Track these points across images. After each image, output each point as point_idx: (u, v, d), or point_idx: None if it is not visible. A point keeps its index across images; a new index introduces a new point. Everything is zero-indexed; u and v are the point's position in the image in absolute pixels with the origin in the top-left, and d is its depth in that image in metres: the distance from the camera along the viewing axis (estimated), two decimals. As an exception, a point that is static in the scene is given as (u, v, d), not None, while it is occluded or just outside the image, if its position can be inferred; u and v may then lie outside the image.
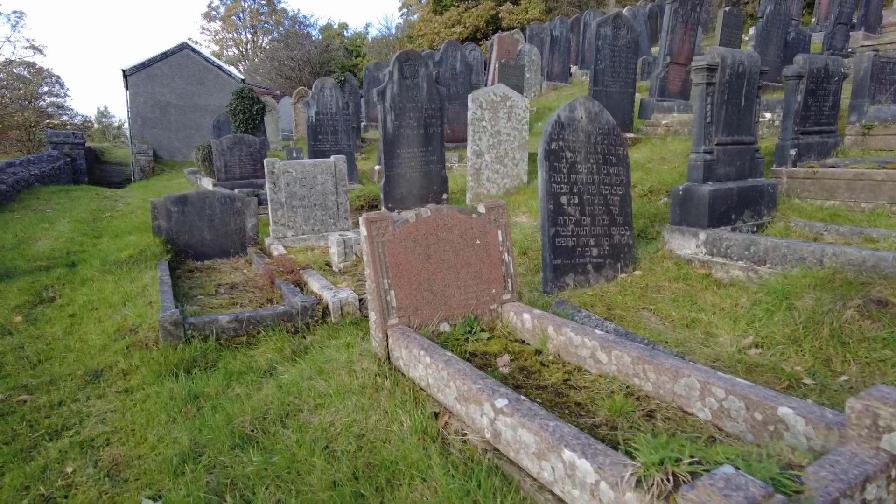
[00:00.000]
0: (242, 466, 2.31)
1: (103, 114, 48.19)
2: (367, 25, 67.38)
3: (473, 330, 3.34)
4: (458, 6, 33.32)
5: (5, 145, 28.81)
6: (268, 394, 2.92)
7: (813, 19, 16.75)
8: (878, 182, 4.69)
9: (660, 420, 2.31)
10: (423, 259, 3.24)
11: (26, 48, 33.43)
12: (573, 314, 3.69)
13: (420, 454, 2.18)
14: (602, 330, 3.52)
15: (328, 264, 5.16)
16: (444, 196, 6.81)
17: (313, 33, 40.14)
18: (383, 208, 6.48)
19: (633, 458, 1.62)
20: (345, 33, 41.95)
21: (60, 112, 35.26)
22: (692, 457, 1.54)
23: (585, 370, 2.86)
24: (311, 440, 2.42)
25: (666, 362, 2.47)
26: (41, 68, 34.16)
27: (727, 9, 8.85)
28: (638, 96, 8.89)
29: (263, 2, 44.00)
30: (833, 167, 5.08)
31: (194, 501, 2.09)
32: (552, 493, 1.85)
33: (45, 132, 19.48)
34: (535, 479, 1.94)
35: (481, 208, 3.49)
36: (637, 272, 4.44)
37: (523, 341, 3.31)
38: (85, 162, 18.28)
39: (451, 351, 3.11)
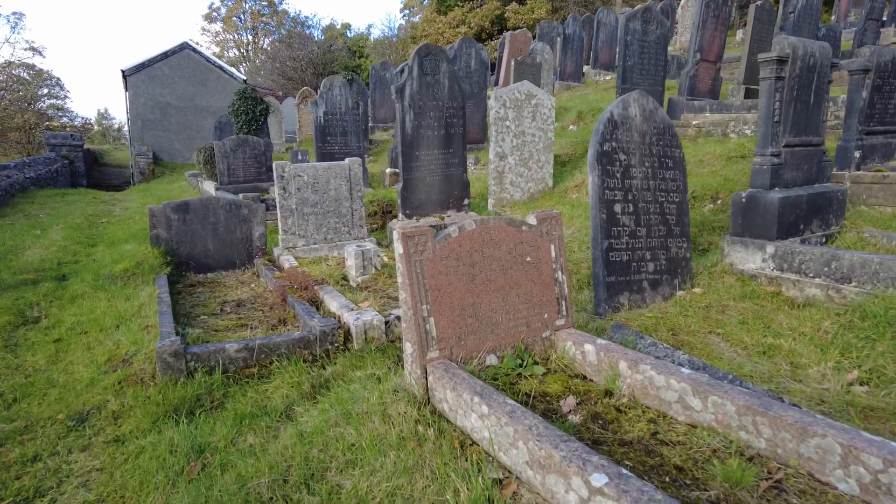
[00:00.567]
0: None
1: (104, 116, 47.75)
2: (370, 26, 66.96)
3: (525, 363, 2.85)
4: (462, 6, 32.89)
5: (5, 147, 28.37)
6: (287, 445, 2.42)
7: (832, 17, 16.28)
8: (959, 187, 4.21)
9: (793, 495, 1.81)
10: (466, 280, 2.75)
11: (26, 50, 32.99)
12: (636, 341, 3.19)
13: (492, 546, 1.69)
14: (673, 361, 3.03)
15: (345, 278, 4.67)
16: (466, 201, 6.32)
17: (315, 34, 39.73)
18: (400, 215, 5.99)
19: None
20: (348, 33, 41.52)
21: (60, 114, 34.84)
22: None
23: (672, 418, 2.37)
24: (346, 517, 1.93)
25: (787, 415, 1.98)
26: (41, 70, 33.74)
27: (759, 2, 8.36)
28: (665, 95, 8.41)
29: (265, 3, 43.62)
30: (903, 171, 4.59)
31: None
32: None
33: (43, 134, 19.03)
34: None
35: (532, 219, 3.00)
36: (696, 289, 3.94)
37: (584, 377, 2.81)
38: (84, 164, 17.82)
39: (503, 389, 2.62)
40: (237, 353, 3.10)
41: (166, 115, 20.43)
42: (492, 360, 2.82)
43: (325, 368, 3.22)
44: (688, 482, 1.92)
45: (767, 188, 3.89)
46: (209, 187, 10.40)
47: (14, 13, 40.47)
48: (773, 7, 8.42)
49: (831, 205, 4.20)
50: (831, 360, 2.97)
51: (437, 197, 6.13)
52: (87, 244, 6.64)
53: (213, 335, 3.60)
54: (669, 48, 14.31)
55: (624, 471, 1.67)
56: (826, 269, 3.52)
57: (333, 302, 3.88)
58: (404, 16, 41.88)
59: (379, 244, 5.91)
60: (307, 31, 39.75)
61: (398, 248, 2.61)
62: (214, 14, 44.19)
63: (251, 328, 3.75)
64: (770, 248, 3.80)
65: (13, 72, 32.64)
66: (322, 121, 8.58)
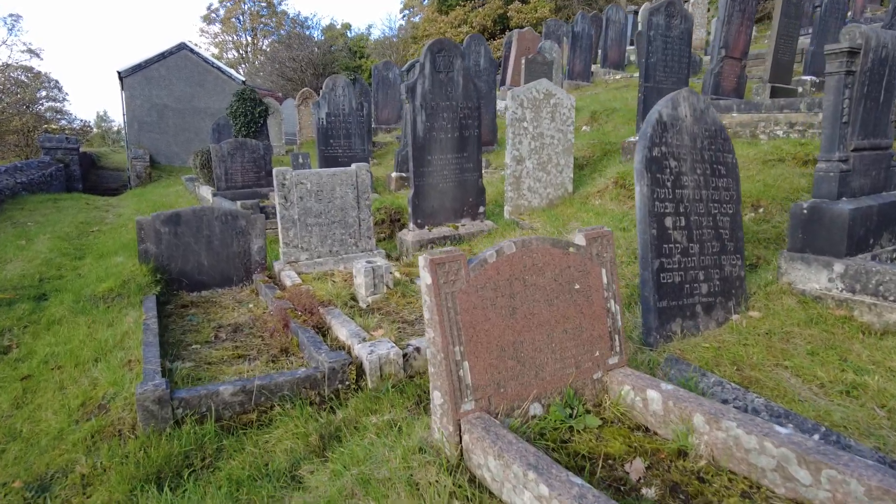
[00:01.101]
0: None
1: (102, 118, 47.30)
2: (370, 27, 66.51)
3: (575, 412, 2.39)
4: (463, 5, 32.43)
5: (3, 150, 27.95)
6: (293, 525, 1.97)
7: (849, 13, 15.82)
8: None
9: None
10: (506, 314, 2.29)
11: (23, 52, 32.49)
12: (699, 380, 2.73)
13: None
14: (746, 406, 2.57)
15: (353, 298, 4.21)
16: (481, 209, 5.86)
17: (315, 34, 39.31)
18: (411, 224, 5.53)
19: None
20: (348, 34, 41.08)
21: (59, 117, 34.44)
22: None
23: (768, 489, 1.91)
24: None
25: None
26: (39, 72, 33.33)
27: (786, -4, 7.90)
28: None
29: (263, 4, 43.21)
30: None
31: None
32: None
33: (38, 137, 18.59)
34: None
35: (579, 239, 2.54)
36: (753, 313, 3.48)
37: (647, 428, 2.35)
38: (80, 168, 17.34)
39: (554, 450, 2.16)
40: (233, 397, 2.65)
41: (163, 117, 19.97)
42: (536, 409, 2.37)
43: (334, 413, 2.76)
44: None
45: (834, 198, 3.44)
46: (206, 193, 9.94)
47: (11, 15, 40.09)
48: (801, 1, 7.97)
49: (900, 215, 3.74)
50: (933, 404, 2.51)
51: (451, 204, 5.67)
52: (73, 256, 6.18)
53: (205, 369, 3.14)
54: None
55: None
56: (910, 291, 3.06)
57: (342, 329, 3.42)
58: (404, 16, 41.42)
59: (388, 256, 5.46)
60: (307, 32, 39.33)
61: (425, 277, 2.15)
62: (213, 15, 43.77)
63: (249, 360, 3.29)
64: (838, 267, 3.34)
65: (11, 74, 32.24)
66: (324, 123, 8.12)
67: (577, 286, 2.49)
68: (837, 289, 3.36)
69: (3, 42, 43.78)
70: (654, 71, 6.87)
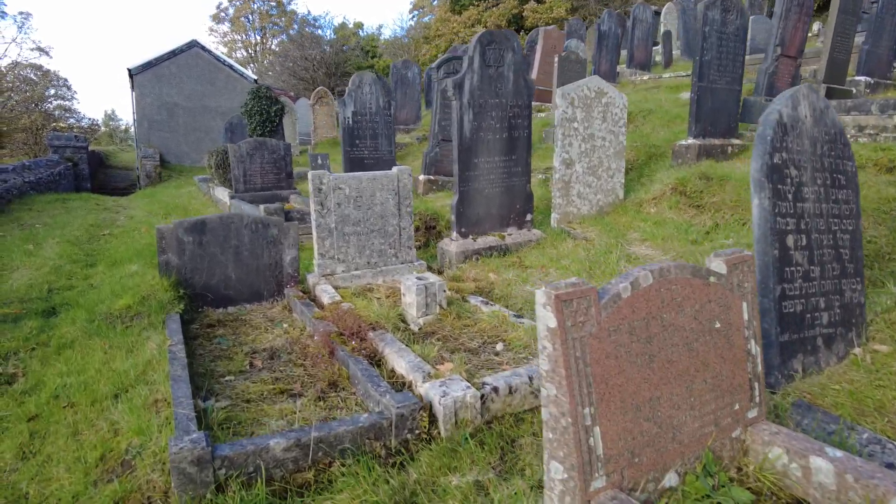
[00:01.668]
0: None
1: (111, 117, 47.14)
2: (381, 26, 66.18)
3: (717, 482, 1.91)
4: (477, 5, 31.99)
5: (11, 148, 27.69)
6: None
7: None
8: None
9: None
10: (643, 364, 1.81)
11: (32, 50, 32.33)
12: (846, 434, 2.24)
13: None
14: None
15: (401, 317, 3.73)
16: (528, 217, 5.38)
17: (327, 33, 38.96)
18: (454, 234, 5.05)
19: None
20: (360, 33, 40.69)
21: (68, 115, 34.24)
22: None
23: None
24: None
25: None
26: (48, 71, 33.14)
27: (844, -10, 7.38)
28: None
29: (273, 3, 42.91)
30: None
31: None
32: None
33: (46, 135, 18.22)
34: None
35: (718, 265, 2.06)
36: (878, 346, 2.98)
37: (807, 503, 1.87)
38: (88, 167, 16.97)
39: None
40: (285, 453, 2.17)
41: (174, 115, 19.58)
42: (671, 479, 1.88)
43: (405, 470, 2.28)
44: None
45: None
46: (222, 195, 9.49)
47: (21, 13, 39.96)
48: (859, -4, 7.45)
49: None
50: None
51: (497, 211, 5.19)
52: (84, 263, 5.73)
53: (244, 409, 2.67)
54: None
55: None
56: None
57: (399, 360, 2.95)
58: (413, 16, 40.99)
59: (429, 268, 4.98)
60: (317, 32, 38.98)
61: (547, 319, 1.67)
62: (222, 14, 43.53)
63: (294, 397, 2.82)
64: (984, 294, 2.84)
65: (20, 72, 32.03)
66: (350, 122, 7.65)
67: (717, 324, 2.01)
68: (981, 320, 2.87)
69: (13, 40, 43.66)
70: (707, 70, 6.38)
